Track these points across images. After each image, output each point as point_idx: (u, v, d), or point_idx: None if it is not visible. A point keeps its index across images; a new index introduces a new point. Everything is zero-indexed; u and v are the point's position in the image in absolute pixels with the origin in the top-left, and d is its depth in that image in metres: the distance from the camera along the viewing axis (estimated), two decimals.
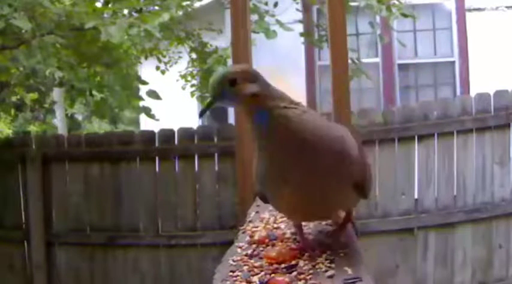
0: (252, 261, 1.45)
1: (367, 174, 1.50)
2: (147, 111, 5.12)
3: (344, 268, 1.34)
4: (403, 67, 7.53)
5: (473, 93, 5.47)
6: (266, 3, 5.40)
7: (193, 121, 8.24)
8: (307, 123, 1.37)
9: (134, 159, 5.17)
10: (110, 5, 5.38)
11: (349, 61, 2.73)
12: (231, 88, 1.37)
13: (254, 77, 1.40)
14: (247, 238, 1.61)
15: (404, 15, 5.37)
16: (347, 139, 1.42)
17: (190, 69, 6.84)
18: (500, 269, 4.93)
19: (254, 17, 4.91)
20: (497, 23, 7.29)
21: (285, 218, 1.72)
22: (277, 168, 1.39)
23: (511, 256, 4.95)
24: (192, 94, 6.84)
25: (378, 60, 7.40)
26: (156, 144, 5.15)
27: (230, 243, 1.64)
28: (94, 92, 5.31)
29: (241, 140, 2.54)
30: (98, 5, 5.58)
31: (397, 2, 5.43)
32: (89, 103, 6.29)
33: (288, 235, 1.60)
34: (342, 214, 1.60)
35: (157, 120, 5.13)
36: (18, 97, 9.27)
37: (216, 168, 5.07)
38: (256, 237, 1.59)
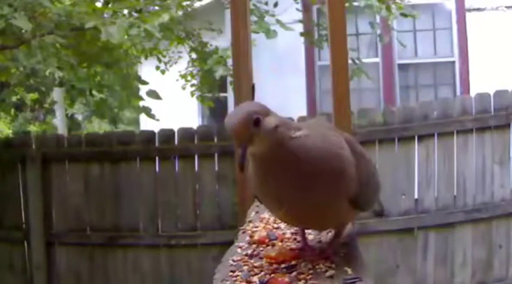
0: (252, 261, 1.45)
1: (363, 186, 1.41)
2: (147, 111, 5.12)
3: (344, 268, 1.34)
4: (403, 67, 7.52)
5: (473, 93, 5.47)
6: (266, 3, 5.41)
7: (193, 121, 8.24)
8: (301, 147, 1.31)
9: (134, 159, 5.17)
10: (110, 5, 5.38)
11: (349, 61, 2.72)
12: (257, 129, 1.28)
13: (267, 109, 1.33)
14: (247, 238, 1.61)
15: (404, 15, 5.37)
16: (344, 159, 1.35)
17: (190, 69, 6.84)
18: (500, 269, 4.93)
19: (254, 17, 4.91)
20: (497, 23, 7.28)
21: None
22: (271, 188, 1.36)
23: (511, 256, 4.95)
24: (192, 94, 6.85)
25: (378, 60, 7.39)
26: (156, 144, 5.16)
27: (230, 243, 1.63)
28: (94, 92, 5.31)
29: None
30: (98, 5, 5.57)
31: (398, 0, 5.43)
32: (89, 103, 6.28)
33: (288, 235, 1.59)
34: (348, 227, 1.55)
35: (158, 120, 5.13)
36: (18, 97, 9.26)
37: (216, 168, 5.08)
38: (256, 237, 1.59)
